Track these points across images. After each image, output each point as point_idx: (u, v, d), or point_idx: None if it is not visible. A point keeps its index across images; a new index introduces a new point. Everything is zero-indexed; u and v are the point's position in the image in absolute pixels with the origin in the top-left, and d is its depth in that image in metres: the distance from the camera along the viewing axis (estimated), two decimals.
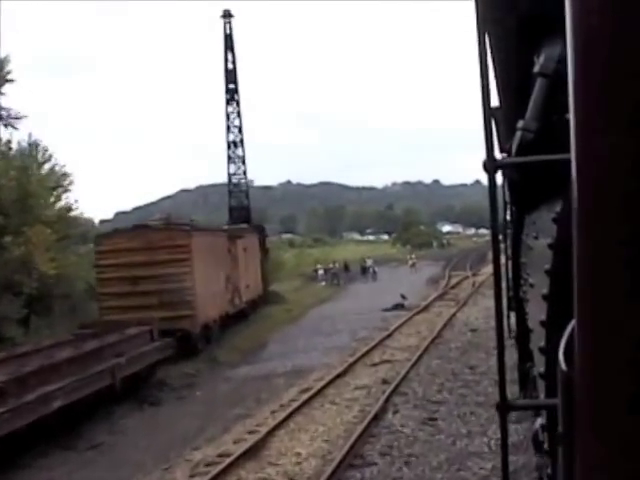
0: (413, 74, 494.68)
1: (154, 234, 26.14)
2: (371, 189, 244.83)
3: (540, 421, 3.33)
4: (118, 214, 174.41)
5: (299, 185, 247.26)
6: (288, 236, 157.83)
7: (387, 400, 16.97)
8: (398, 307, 35.42)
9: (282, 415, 16.41)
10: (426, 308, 34.53)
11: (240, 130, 49.05)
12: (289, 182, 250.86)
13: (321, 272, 56.14)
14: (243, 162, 50.18)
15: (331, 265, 56.22)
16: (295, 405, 17.21)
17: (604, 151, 1.04)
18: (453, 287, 44.58)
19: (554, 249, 2.81)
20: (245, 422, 16.97)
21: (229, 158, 49.81)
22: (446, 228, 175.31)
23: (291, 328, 33.00)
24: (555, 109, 2.81)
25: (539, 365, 3.11)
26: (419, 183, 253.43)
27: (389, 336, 26.71)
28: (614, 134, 1.02)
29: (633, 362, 1.01)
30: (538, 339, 3.11)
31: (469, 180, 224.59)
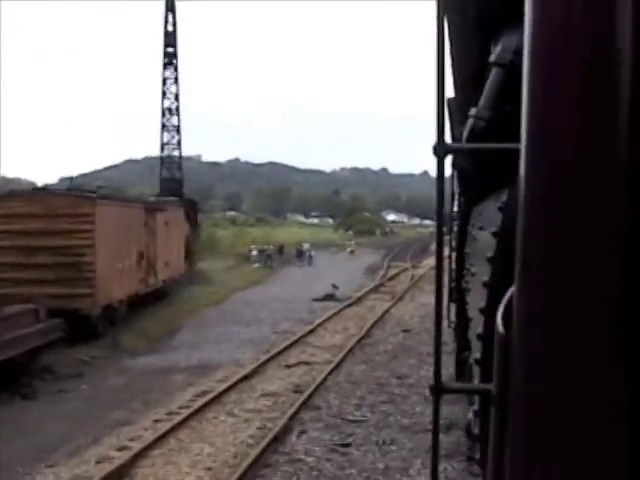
0: (371, 58, 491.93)
1: (55, 200, 22.75)
2: (319, 172, 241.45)
3: (473, 410, 3.33)
4: (63, 179, 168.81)
5: (247, 164, 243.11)
6: (231, 213, 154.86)
7: (294, 416, 13.99)
8: (329, 298, 32.49)
9: (165, 427, 13.35)
10: (359, 300, 31.65)
11: (177, 97, 45.64)
12: (237, 160, 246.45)
13: (255, 253, 52.98)
14: (178, 131, 46.78)
15: (265, 247, 53.05)
16: (185, 414, 14.16)
17: (554, 141, 1.10)
18: (391, 278, 41.77)
19: (498, 237, 2.83)
20: (121, 432, 13.85)
21: (163, 126, 46.32)
22: (391, 217, 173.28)
23: (210, 313, 29.82)
24: (508, 99, 2.88)
25: (476, 352, 3.02)
26: (367, 170, 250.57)
27: (313, 331, 23.76)
28: (565, 124, 1.10)
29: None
30: (476, 327, 3.11)
31: (417, 170, 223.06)
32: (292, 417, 13.88)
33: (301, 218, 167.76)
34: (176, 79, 44.99)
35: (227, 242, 68.08)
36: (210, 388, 16.52)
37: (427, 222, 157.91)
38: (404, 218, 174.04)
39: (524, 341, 1.17)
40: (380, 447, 12.49)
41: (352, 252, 58.10)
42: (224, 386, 16.30)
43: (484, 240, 3.64)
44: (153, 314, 27.85)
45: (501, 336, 1.28)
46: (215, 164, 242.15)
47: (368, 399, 15.54)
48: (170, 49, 44.22)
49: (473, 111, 3.18)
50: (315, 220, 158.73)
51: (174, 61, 44.58)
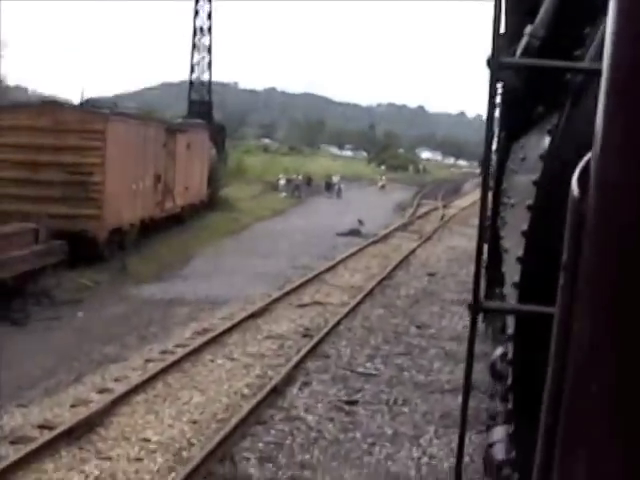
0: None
1: (64, 114, 21.11)
2: (356, 106, 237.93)
3: (500, 350, 3.76)
4: (99, 99, 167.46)
5: (284, 93, 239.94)
6: (265, 141, 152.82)
7: (299, 364, 12.55)
8: (354, 233, 30.89)
9: (156, 368, 11.99)
10: (385, 238, 30.05)
11: (209, 16, 43.51)
12: (274, 89, 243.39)
13: (282, 182, 51.32)
14: (209, 52, 44.78)
15: (294, 176, 51.33)
16: (179, 354, 12.79)
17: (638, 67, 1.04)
18: (420, 217, 40.01)
19: (545, 159, 2.70)
20: (107, 370, 12.50)
21: (194, 46, 44.31)
22: (425, 154, 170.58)
23: (228, 242, 28.36)
24: (564, 20, 3.03)
25: (514, 275, 2.89)
26: (404, 106, 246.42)
27: (332, 268, 22.25)
28: None
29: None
30: (516, 252, 3.03)
31: (454, 110, 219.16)
32: (296, 366, 12.45)
33: (335, 150, 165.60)
34: None
35: (257, 170, 66.49)
36: (212, 326, 15.12)
37: (461, 162, 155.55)
38: (438, 157, 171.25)
39: (601, 206, 1.11)
40: (390, 408, 11.03)
41: (383, 187, 56.28)
42: (228, 324, 14.89)
43: (529, 165, 3.48)
44: (168, 240, 26.46)
45: (576, 200, 1.20)
46: (252, 92, 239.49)
47: (383, 349, 14.06)
48: None
49: (529, 29, 3.15)
50: (349, 153, 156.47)
51: None
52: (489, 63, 2.24)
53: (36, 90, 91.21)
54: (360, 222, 31.44)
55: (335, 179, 52.36)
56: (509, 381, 2.99)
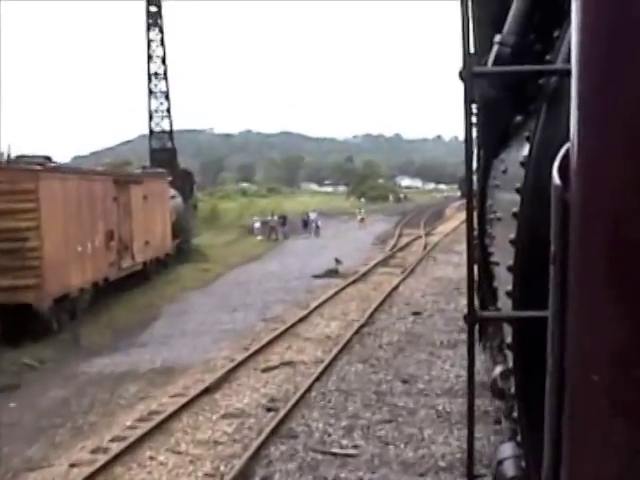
0: (382, 25, 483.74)
1: None
2: (332, 140, 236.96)
3: (499, 369, 3.48)
4: (76, 158, 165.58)
5: (259, 134, 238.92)
6: (244, 185, 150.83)
7: (259, 451, 10.16)
8: (331, 274, 28.59)
9: (80, 476, 9.57)
10: (364, 276, 27.72)
11: (164, 60, 41.39)
12: (250, 131, 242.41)
13: (257, 225, 49.05)
14: (166, 98, 42.56)
15: (269, 217, 49.07)
16: (113, 451, 10.37)
17: (605, 62, 1.06)
18: (402, 249, 37.75)
19: (530, 141, 2.68)
20: None
21: (150, 92, 42.09)
22: (405, 182, 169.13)
23: (195, 297, 25.97)
24: (534, 25, 3.05)
25: (507, 284, 2.87)
26: (380, 136, 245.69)
27: (306, 318, 19.87)
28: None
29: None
30: (506, 261, 2.97)
31: (430, 135, 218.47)
32: (256, 453, 10.06)
33: (314, 187, 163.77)
34: (162, 41, 40.77)
35: (233, 214, 64.43)
36: (161, 407, 12.68)
37: (442, 186, 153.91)
38: (418, 183, 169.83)
39: (582, 192, 1.13)
40: None
41: (362, 220, 54.05)
42: (179, 403, 12.48)
43: (511, 176, 3.41)
44: (128, 302, 24.10)
45: (558, 189, 1.24)
46: (227, 136, 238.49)
47: (362, 418, 11.66)
48: (153, 8, 39.93)
49: (498, 37, 3.13)
50: (329, 189, 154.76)
51: (159, 21, 40.34)
52: (461, 75, 2.27)
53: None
54: (337, 261, 29.13)
55: (312, 216, 50.08)
56: (512, 390, 3.04)
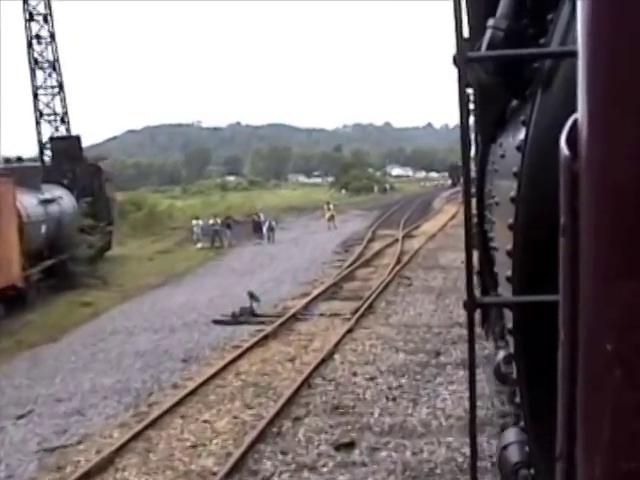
0: (370, 10, 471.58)
1: None
2: (321, 130, 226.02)
3: (502, 354, 3.41)
4: None
5: (248, 126, 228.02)
6: (229, 178, 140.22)
7: None
8: (241, 317, 17.73)
9: None
10: (294, 321, 17.04)
11: (45, 19, 30.38)
12: (238, 123, 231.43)
13: (196, 229, 38.30)
14: (54, 68, 31.69)
15: (211, 221, 38.14)
16: None
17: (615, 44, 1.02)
18: (367, 262, 26.69)
19: (526, 125, 2.55)
20: None
21: (35, 62, 31.21)
22: (396, 171, 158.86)
23: (24, 364, 15.30)
24: (527, 8, 2.87)
25: (507, 270, 2.74)
26: (370, 125, 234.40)
27: (160, 423, 9.29)
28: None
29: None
30: (505, 245, 2.84)
31: (421, 123, 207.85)
32: None
33: (303, 178, 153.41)
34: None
35: (186, 214, 53.48)
36: None
37: (433, 174, 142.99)
38: (409, 172, 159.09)
39: (592, 161, 1.08)
40: None
41: (331, 219, 43.04)
42: None
43: (508, 160, 3.22)
44: None
45: (567, 160, 1.16)
46: (216, 129, 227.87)
47: None
48: None
49: (491, 22, 2.94)
50: (317, 180, 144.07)
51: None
52: (455, 60, 2.16)
53: None
54: (252, 296, 18.15)
55: (263, 217, 39.17)
56: (514, 376, 2.95)
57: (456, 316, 16.55)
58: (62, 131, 33.59)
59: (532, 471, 2.75)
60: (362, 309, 17.46)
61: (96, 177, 31.99)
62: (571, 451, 1.16)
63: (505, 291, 3.23)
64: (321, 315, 17.54)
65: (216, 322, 17.76)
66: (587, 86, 1.07)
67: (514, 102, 3.57)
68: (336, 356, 13.59)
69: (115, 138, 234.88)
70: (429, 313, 17.14)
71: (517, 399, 3.00)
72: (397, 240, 32.23)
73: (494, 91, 3.45)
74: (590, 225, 1.08)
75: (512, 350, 2.95)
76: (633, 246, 1.00)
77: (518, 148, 2.69)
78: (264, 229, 37.46)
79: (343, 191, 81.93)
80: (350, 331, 15.47)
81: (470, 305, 2.21)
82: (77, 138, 32.37)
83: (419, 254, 27.60)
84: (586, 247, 1.09)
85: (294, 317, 17.30)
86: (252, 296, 18.07)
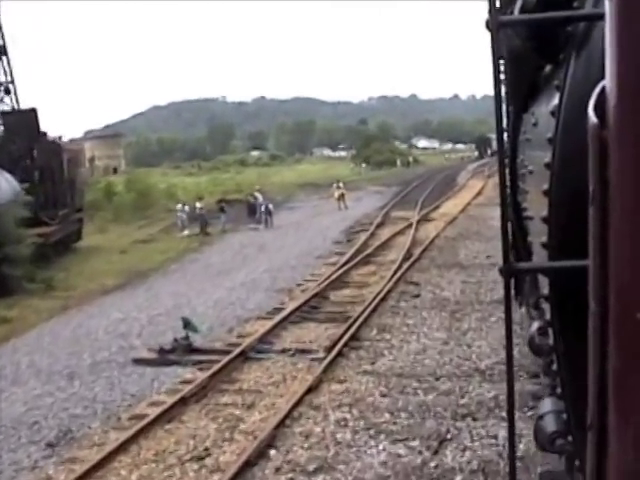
0: None
1: None
2: (347, 104, 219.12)
3: (536, 324, 3.30)
4: (88, 132, 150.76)
5: (273, 100, 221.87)
6: (254, 153, 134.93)
7: None
8: (172, 354, 12.29)
9: None
10: (229, 367, 11.59)
11: None
12: (263, 98, 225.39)
13: (181, 214, 32.87)
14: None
15: (198, 205, 32.67)
16: None
17: None
18: (369, 257, 20.98)
19: (560, 89, 2.52)
20: None
21: None
22: (422, 143, 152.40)
23: None
24: None
25: (542, 236, 2.70)
26: (396, 97, 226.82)
27: None
28: None
29: None
30: (541, 211, 2.74)
31: (447, 94, 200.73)
32: None
33: (328, 152, 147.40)
34: None
35: (189, 194, 47.93)
36: None
37: (459, 146, 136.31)
38: (435, 144, 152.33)
39: (621, 129, 1.05)
40: None
41: (341, 197, 37.30)
42: None
43: (542, 127, 3.06)
44: None
45: (595, 127, 1.14)
46: (241, 104, 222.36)
47: None
48: None
49: None
50: (342, 153, 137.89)
51: None
52: (488, 25, 2.10)
53: None
54: (187, 325, 12.53)
55: (260, 198, 33.51)
56: (550, 342, 2.91)
57: (478, 354, 11.01)
58: (7, 103, 28.18)
59: (570, 439, 2.68)
60: (342, 342, 11.93)
61: (57, 157, 26.62)
62: (602, 421, 1.12)
63: (540, 259, 3.11)
64: (283, 352, 12.01)
65: (137, 361, 12.31)
66: (615, 52, 1.05)
67: (547, 68, 3.42)
68: (273, 453, 8.08)
69: (141, 114, 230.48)
70: (437, 348, 11.59)
71: (554, 367, 3.01)
72: (411, 225, 26.51)
73: (526, 58, 3.38)
74: (619, 193, 1.03)
75: (548, 318, 2.89)
76: None
77: (552, 113, 2.61)
78: (258, 212, 31.88)
79: (364, 165, 75.86)
80: (313, 389, 9.95)
81: (507, 270, 2.17)
82: (33, 112, 26.92)
83: (434, 245, 21.90)
84: (617, 215, 1.05)
85: (243, 355, 11.82)
86: (187, 324, 12.53)
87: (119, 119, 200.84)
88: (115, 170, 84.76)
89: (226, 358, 11.51)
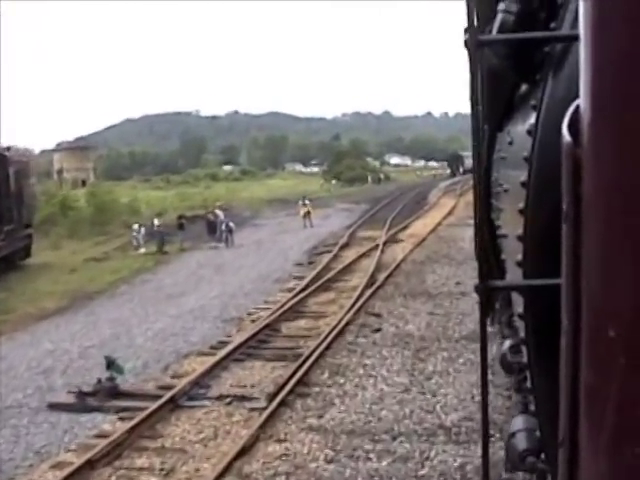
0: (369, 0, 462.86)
1: None
2: (321, 119, 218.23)
3: (508, 343, 3.27)
4: (60, 144, 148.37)
5: (247, 115, 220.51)
6: (227, 167, 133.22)
7: None
8: (94, 398, 10.69)
9: None
10: (154, 417, 9.99)
11: None
12: (237, 112, 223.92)
13: (136, 233, 31.11)
14: None
15: (156, 222, 30.97)
16: None
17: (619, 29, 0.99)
18: (329, 282, 19.41)
19: (537, 109, 2.47)
20: None
21: None
22: (394, 160, 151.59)
23: None
24: None
25: (517, 254, 2.64)
26: (369, 114, 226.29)
27: None
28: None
29: None
30: (516, 229, 2.72)
31: (420, 112, 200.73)
32: None
33: (300, 167, 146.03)
34: None
35: (154, 209, 46.12)
36: None
37: (432, 164, 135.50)
38: (408, 161, 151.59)
39: (595, 148, 1.05)
40: None
41: (307, 215, 35.82)
42: None
43: (518, 146, 3.05)
44: None
45: (569, 146, 1.14)
46: (214, 118, 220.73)
47: None
48: None
49: (502, 5, 2.81)
50: (315, 169, 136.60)
51: None
52: (467, 44, 2.13)
53: None
54: (110, 365, 10.95)
55: (221, 216, 31.83)
56: (523, 359, 2.84)
57: (442, 405, 9.51)
58: None
59: (542, 456, 2.66)
60: (288, 387, 10.37)
61: (2, 170, 24.87)
62: (574, 437, 1.12)
63: (514, 277, 3.13)
64: (219, 399, 10.41)
65: (52, 406, 10.65)
66: (588, 72, 1.06)
67: (523, 88, 3.43)
68: None
69: (114, 127, 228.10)
70: (397, 397, 10.07)
71: (526, 385, 3.01)
72: (377, 246, 25.03)
73: (503, 77, 3.38)
74: (592, 212, 1.04)
75: (522, 335, 2.85)
76: (636, 232, 0.96)
77: (529, 132, 2.61)
78: (219, 231, 30.26)
79: (334, 181, 74.49)
80: (246, 451, 8.36)
81: (482, 288, 2.15)
82: None
83: (400, 270, 20.40)
84: (589, 233, 1.05)
85: (173, 401, 10.20)
86: (110, 364, 10.89)
87: (92, 131, 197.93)
88: (84, 183, 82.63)
89: (153, 405, 9.90)
